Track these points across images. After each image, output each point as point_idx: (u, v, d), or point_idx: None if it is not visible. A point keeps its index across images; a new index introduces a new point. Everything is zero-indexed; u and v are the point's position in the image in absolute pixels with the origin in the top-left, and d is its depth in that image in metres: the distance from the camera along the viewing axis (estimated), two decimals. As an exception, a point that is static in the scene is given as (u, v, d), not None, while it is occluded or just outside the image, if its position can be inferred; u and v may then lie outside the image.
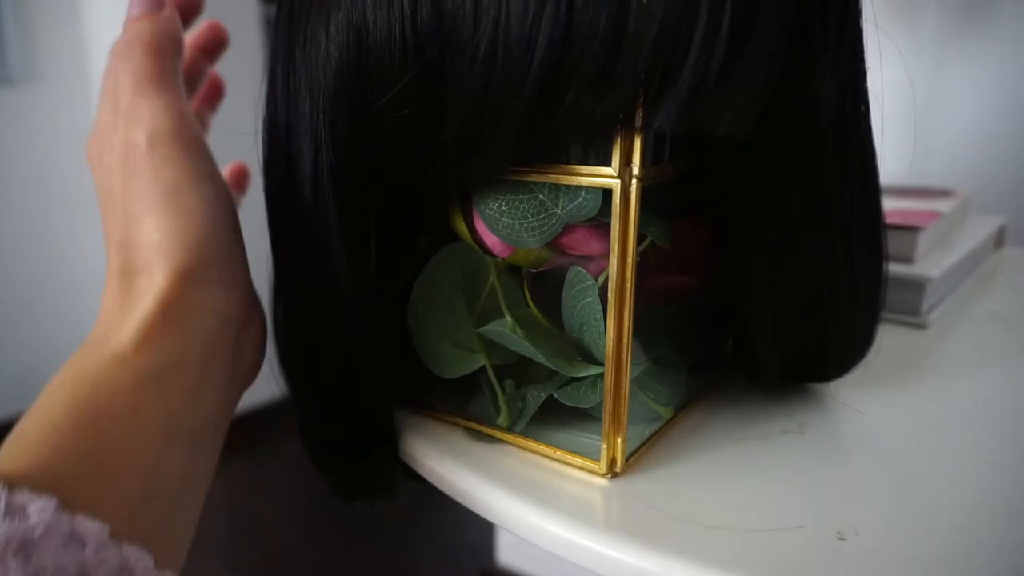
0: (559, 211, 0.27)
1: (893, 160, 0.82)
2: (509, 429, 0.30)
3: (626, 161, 0.24)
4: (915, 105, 0.79)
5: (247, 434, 1.87)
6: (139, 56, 0.29)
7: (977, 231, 0.57)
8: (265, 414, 1.95)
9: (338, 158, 0.26)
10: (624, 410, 0.27)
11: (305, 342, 0.30)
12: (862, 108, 0.27)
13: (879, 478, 0.28)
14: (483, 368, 0.31)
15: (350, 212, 0.27)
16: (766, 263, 0.28)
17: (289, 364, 0.31)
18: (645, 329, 0.31)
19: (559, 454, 0.29)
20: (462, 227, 0.30)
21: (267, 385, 0.34)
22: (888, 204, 0.56)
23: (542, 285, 0.31)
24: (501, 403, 0.31)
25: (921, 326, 0.44)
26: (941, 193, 0.61)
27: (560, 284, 0.29)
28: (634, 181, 0.24)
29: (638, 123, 0.23)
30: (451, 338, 0.31)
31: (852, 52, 0.25)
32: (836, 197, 0.27)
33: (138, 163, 0.27)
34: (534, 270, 0.31)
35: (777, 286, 0.29)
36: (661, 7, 0.20)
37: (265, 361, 0.32)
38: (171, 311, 0.26)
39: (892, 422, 0.32)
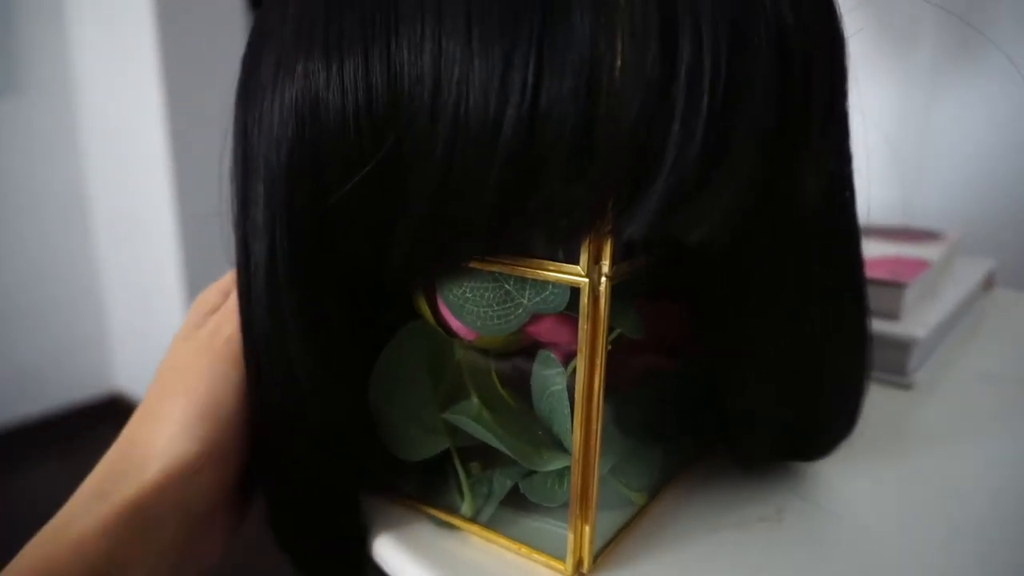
0: (525, 301, 0.25)
1: (885, 198, 0.81)
2: (474, 518, 0.29)
3: (595, 260, 0.23)
4: (906, 142, 0.78)
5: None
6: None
7: (966, 277, 0.56)
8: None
9: (293, 242, 0.25)
10: (592, 510, 0.25)
11: (266, 425, 0.29)
12: (847, 194, 0.26)
13: (855, 568, 0.27)
14: (448, 455, 0.30)
15: (306, 296, 0.26)
16: (751, 350, 0.27)
17: (253, 446, 0.30)
18: (619, 416, 0.30)
19: (523, 551, 0.27)
20: (426, 310, 0.28)
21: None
22: (876, 249, 0.55)
23: (511, 364, 0.30)
24: (465, 490, 0.29)
25: (907, 387, 0.43)
26: (930, 236, 0.60)
27: (530, 364, 0.28)
28: (603, 280, 0.23)
29: (608, 227, 0.21)
30: (415, 420, 0.30)
31: (838, 150, 0.24)
32: (822, 284, 0.26)
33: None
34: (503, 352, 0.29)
35: (763, 372, 0.28)
36: (633, 108, 0.19)
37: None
38: (145, 510, 0.25)
39: (873, 505, 0.31)
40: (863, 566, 0.27)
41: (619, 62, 0.18)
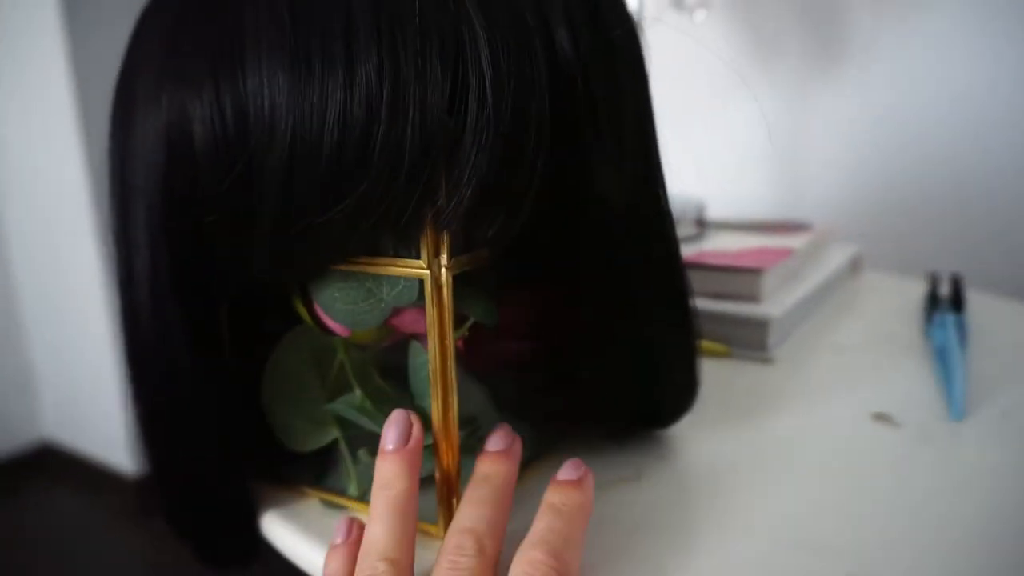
0: (385, 296, 0.29)
1: (766, 193, 0.87)
2: (361, 498, 0.32)
3: (435, 253, 0.26)
4: (782, 141, 0.84)
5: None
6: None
7: (831, 262, 0.62)
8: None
9: (173, 257, 0.27)
10: (456, 478, 0.29)
11: (156, 423, 0.31)
12: (656, 191, 0.30)
13: (705, 521, 0.31)
14: (336, 443, 0.33)
15: (188, 305, 0.28)
16: (586, 330, 0.31)
17: (145, 443, 0.32)
18: (490, 393, 0.33)
19: (404, 521, 0.30)
20: (303, 312, 0.31)
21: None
22: (748, 242, 0.60)
23: (390, 357, 0.33)
24: (352, 473, 0.32)
25: (768, 361, 0.48)
26: (800, 227, 0.66)
27: (406, 356, 0.31)
28: (443, 271, 0.26)
29: (432, 225, 0.25)
30: (304, 414, 0.33)
31: (636, 151, 0.28)
32: (641, 272, 0.30)
33: None
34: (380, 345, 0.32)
35: (602, 351, 0.32)
36: (428, 129, 0.22)
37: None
38: None
39: (726, 461, 0.35)
40: (709, 510, 0.31)
41: (413, 90, 0.22)
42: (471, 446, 0.31)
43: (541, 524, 0.26)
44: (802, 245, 0.58)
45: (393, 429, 0.28)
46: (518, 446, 0.30)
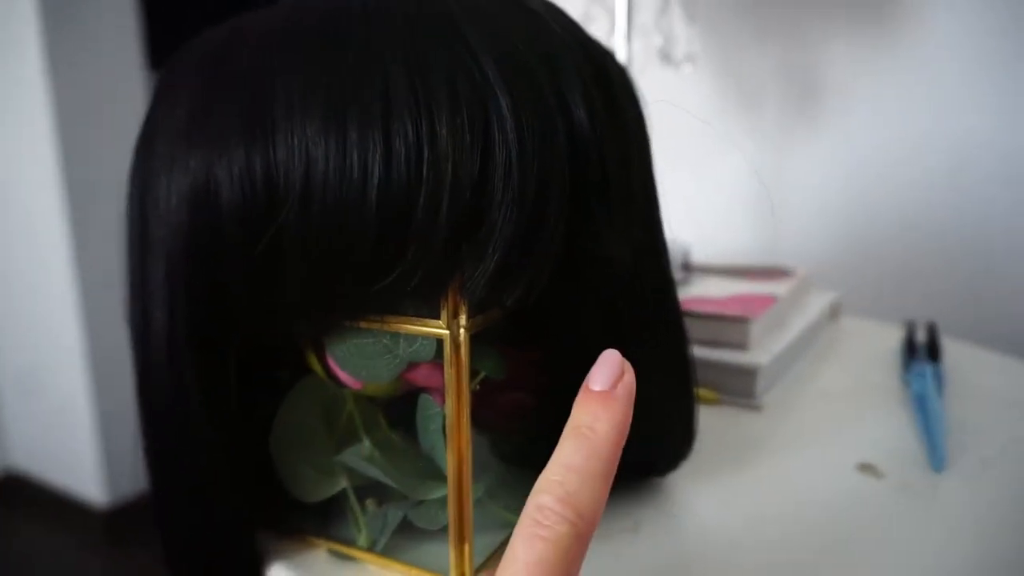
0: (400, 352, 0.30)
1: (747, 238, 0.90)
2: (370, 548, 0.33)
3: (454, 315, 0.27)
4: (763, 188, 0.87)
5: (135, 524, 1.78)
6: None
7: (812, 308, 0.64)
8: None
9: (192, 313, 0.28)
10: (469, 529, 0.30)
11: (166, 471, 0.32)
12: (658, 258, 0.31)
13: (704, 572, 0.32)
14: (345, 492, 0.33)
15: (204, 358, 0.29)
16: None
17: (153, 489, 0.32)
18: (493, 447, 0.34)
19: (414, 572, 0.31)
20: (316, 365, 0.32)
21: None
22: (733, 288, 0.62)
23: (399, 408, 0.34)
24: (361, 524, 0.33)
25: (756, 408, 0.49)
26: (783, 273, 0.68)
27: (415, 407, 0.32)
28: (461, 331, 0.27)
29: (458, 289, 0.26)
30: (312, 463, 0.33)
31: (641, 221, 0.30)
32: (644, 329, 0.32)
33: None
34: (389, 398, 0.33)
35: None
36: (458, 202, 0.24)
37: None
38: None
39: (719, 511, 0.37)
40: (707, 565, 0.32)
41: (449, 164, 0.23)
42: (478, 496, 0.32)
43: (557, 457, 0.22)
44: (786, 292, 0.60)
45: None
46: (629, 380, 0.24)
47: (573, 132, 0.26)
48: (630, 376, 0.23)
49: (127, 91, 1.67)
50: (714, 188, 0.89)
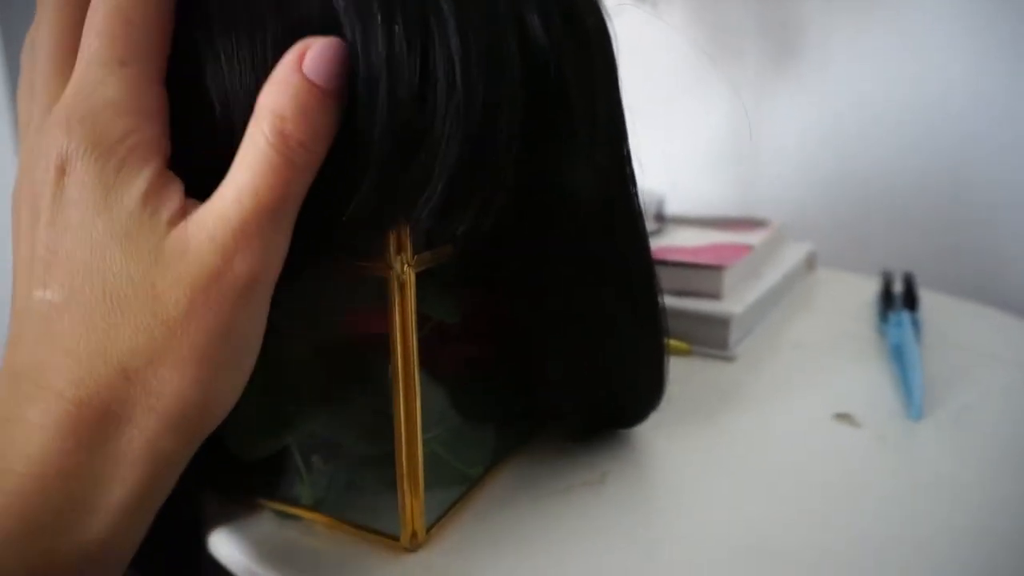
0: (344, 296, 0.27)
1: (723, 190, 0.88)
2: (316, 507, 0.30)
3: (397, 250, 0.25)
4: (740, 138, 0.85)
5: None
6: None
7: (787, 260, 0.63)
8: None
9: None
10: (419, 484, 0.27)
11: None
12: (626, 187, 0.29)
13: (667, 523, 0.30)
14: (289, 449, 0.31)
15: None
16: (553, 328, 0.30)
17: None
18: (454, 394, 0.32)
19: (362, 533, 0.29)
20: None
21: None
22: (707, 238, 0.60)
23: (347, 359, 0.31)
24: (306, 481, 0.31)
25: (729, 359, 0.48)
26: (758, 224, 0.66)
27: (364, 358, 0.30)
28: (406, 268, 0.25)
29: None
30: (256, 420, 0.31)
31: (608, 145, 0.27)
32: (610, 268, 0.29)
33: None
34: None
35: (568, 350, 0.31)
36: (395, 123, 0.21)
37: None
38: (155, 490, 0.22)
39: (689, 461, 0.35)
40: (677, 516, 0.31)
41: (382, 79, 0.21)
42: (432, 449, 0.30)
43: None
44: (760, 242, 0.58)
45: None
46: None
47: (526, 40, 0.23)
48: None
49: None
50: (689, 138, 0.86)
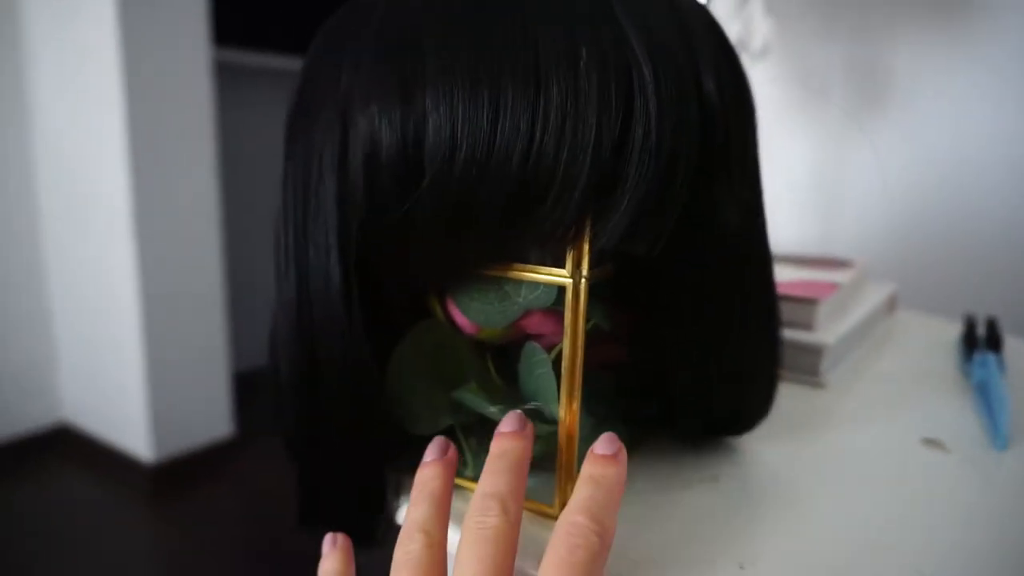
0: (520, 299, 0.33)
1: (808, 231, 0.92)
2: (475, 479, 0.36)
3: (577, 264, 0.30)
4: (823, 179, 0.88)
5: (176, 482, 1.84)
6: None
7: (871, 298, 0.66)
8: (196, 461, 1.93)
9: (353, 260, 0.31)
10: (574, 463, 0.32)
11: (324, 409, 0.34)
12: (759, 221, 0.34)
13: (777, 518, 0.34)
14: (452, 428, 0.36)
15: (363, 304, 0.32)
16: (686, 342, 0.35)
17: (301, 427, 0.35)
18: (588, 392, 0.37)
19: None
20: (437, 309, 0.35)
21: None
22: (795, 274, 0.64)
23: (502, 357, 0.37)
24: (468, 456, 0.36)
25: (820, 385, 0.51)
26: (842, 264, 0.70)
27: (517, 357, 0.35)
28: (583, 280, 0.30)
29: (586, 240, 0.29)
30: (425, 400, 0.36)
31: (750, 186, 0.32)
32: (739, 294, 0.34)
33: None
34: (496, 344, 0.36)
35: (695, 360, 0.35)
36: (598, 158, 0.26)
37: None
38: None
39: (791, 469, 0.39)
40: (782, 511, 0.35)
41: (595, 124, 0.26)
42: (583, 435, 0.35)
43: (582, 493, 0.28)
44: (847, 280, 0.62)
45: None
46: (530, 429, 0.32)
47: (703, 100, 0.28)
48: (623, 452, 0.30)
49: (194, 64, 1.72)
50: (776, 177, 0.91)
